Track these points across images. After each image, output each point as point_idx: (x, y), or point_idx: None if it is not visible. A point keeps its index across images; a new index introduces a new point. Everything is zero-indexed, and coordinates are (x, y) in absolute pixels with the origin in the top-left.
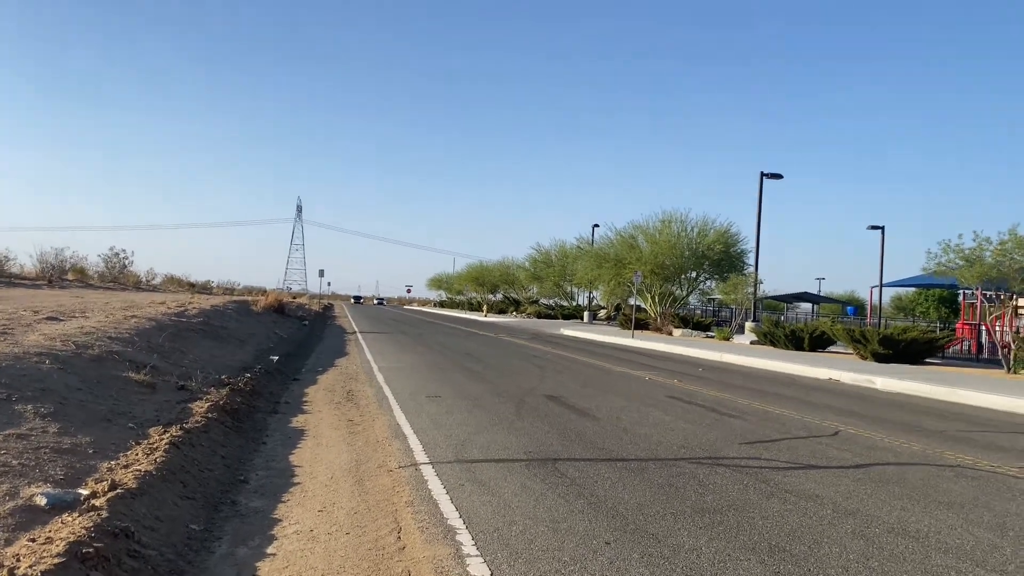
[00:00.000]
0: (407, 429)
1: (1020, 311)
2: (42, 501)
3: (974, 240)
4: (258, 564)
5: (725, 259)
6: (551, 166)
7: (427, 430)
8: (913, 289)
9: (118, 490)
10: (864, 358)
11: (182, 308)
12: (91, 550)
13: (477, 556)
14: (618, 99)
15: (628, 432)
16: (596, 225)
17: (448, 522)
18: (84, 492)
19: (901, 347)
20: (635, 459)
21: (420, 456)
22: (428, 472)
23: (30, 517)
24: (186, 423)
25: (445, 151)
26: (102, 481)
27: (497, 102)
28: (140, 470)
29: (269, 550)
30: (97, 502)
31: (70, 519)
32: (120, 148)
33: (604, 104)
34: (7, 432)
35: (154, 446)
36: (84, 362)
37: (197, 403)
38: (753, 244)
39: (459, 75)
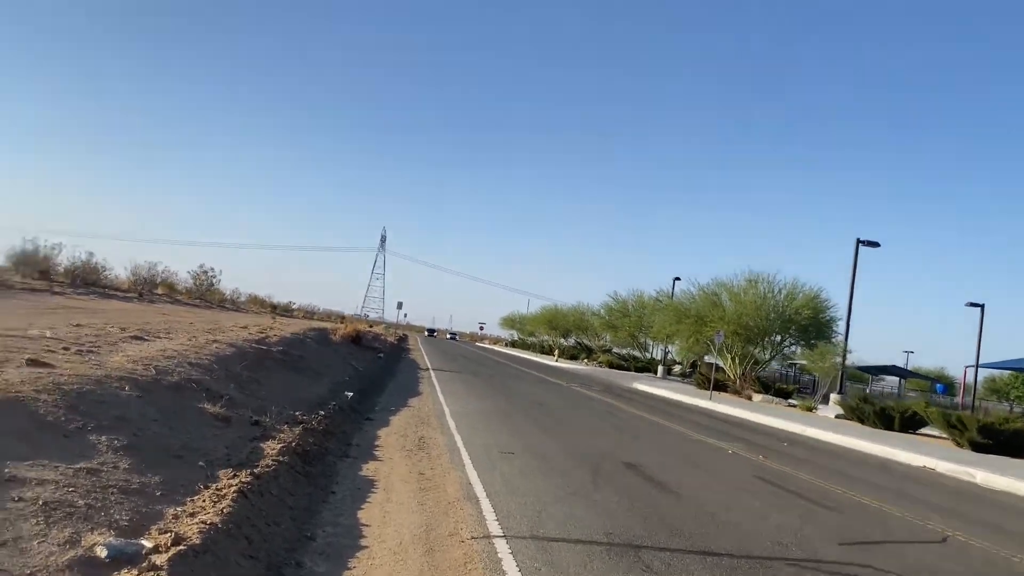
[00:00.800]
0: (479, 490)
1: None
2: (103, 553)
3: None
4: None
5: (813, 325)
6: (636, 215)
7: (500, 494)
8: (1008, 372)
9: (181, 546)
10: (960, 445)
11: (263, 334)
12: None
13: None
14: (716, 155)
15: (714, 518)
16: (678, 278)
17: None
18: (147, 545)
19: (1002, 438)
20: (725, 554)
21: (493, 527)
22: (502, 548)
23: (89, 572)
24: (256, 466)
25: (530, 191)
26: (166, 532)
27: (591, 148)
28: (206, 521)
29: None
30: (159, 560)
31: None
32: (216, 168)
33: (695, 163)
34: (79, 466)
35: (222, 493)
36: (162, 389)
37: (269, 442)
38: (843, 311)
39: (554, 120)
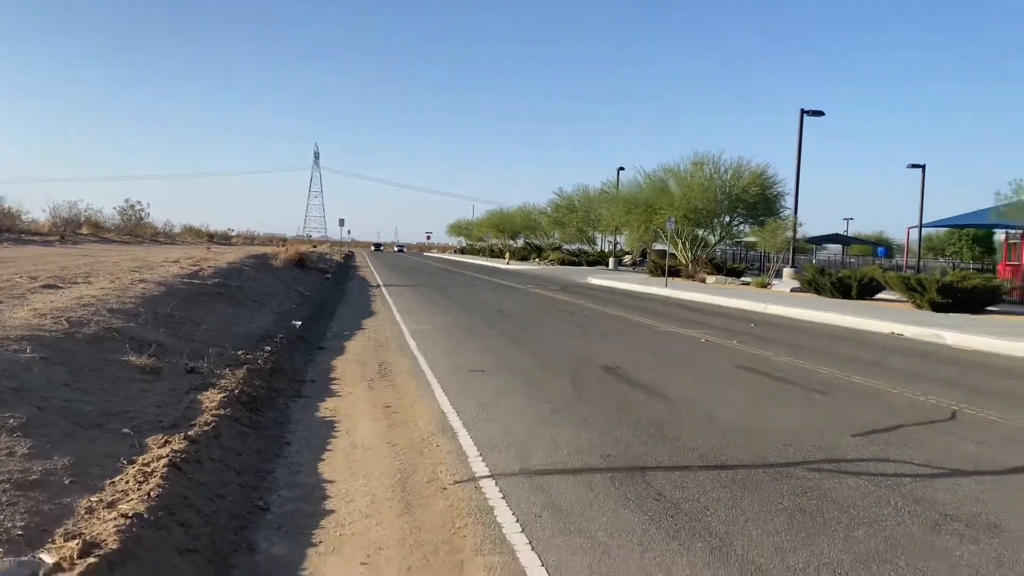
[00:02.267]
0: (454, 420)
1: None
2: None
3: None
4: None
5: (761, 202)
6: (575, 109)
7: (478, 422)
8: (944, 230)
9: (92, 556)
10: (920, 307)
11: (196, 267)
12: None
13: None
14: (648, 39)
15: (713, 421)
16: (622, 168)
17: None
18: (48, 561)
19: (960, 296)
20: (739, 465)
21: (477, 465)
22: (491, 491)
23: None
24: (193, 425)
25: (465, 93)
26: (74, 538)
27: (519, 40)
28: (127, 512)
29: None
30: None
31: None
32: (135, 97)
33: (633, 48)
34: None
35: (150, 468)
36: (76, 345)
37: (208, 393)
38: (790, 186)
39: (482, 17)
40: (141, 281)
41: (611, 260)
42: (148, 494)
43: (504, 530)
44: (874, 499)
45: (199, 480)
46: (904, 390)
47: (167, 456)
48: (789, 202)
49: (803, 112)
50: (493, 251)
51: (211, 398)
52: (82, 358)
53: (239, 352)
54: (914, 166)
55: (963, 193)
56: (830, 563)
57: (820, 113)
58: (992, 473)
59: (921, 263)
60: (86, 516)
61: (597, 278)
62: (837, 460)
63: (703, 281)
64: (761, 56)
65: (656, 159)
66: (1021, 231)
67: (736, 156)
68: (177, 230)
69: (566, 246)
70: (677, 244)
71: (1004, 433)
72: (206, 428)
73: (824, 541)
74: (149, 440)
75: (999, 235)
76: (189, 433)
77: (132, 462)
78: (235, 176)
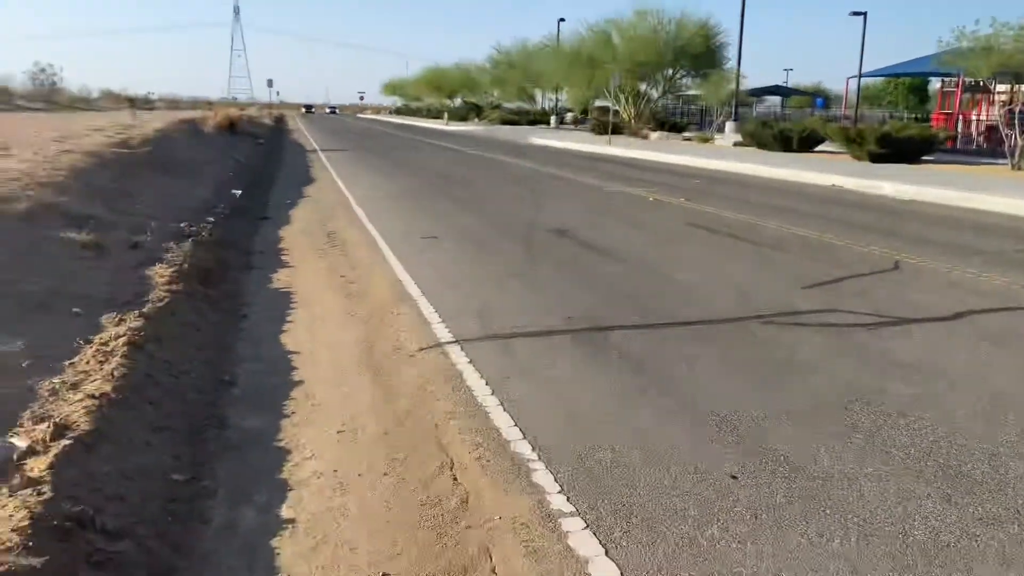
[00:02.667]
0: (412, 288)
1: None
2: None
3: (991, 27)
4: (275, 542)
5: (705, 54)
6: None
7: (436, 289)
8: (881, 80)
9: (66, 439)
10: (859, 158)
11: (124, 135)
12: (33, 565)
13: (574, 514)
14: None
15: (668, 280)
16: (562, 19)
17: (512, 449)
18: (19, 445)
19: (898, 146)
20: (700, 322)
21: (440, 330)
22: (458, 356)
23: None
24: (146, 302)
25: None
26: (43, 421)
27: None
28: (94, 392)
29: (285, 512)
30: (38, 464)
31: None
32: None
33: None
34: None
35: (109, 348)
36: (11, 223)
37: (157, 268)
38: (733, 37)
39: None
40: (67, 152)
41: (553, 119)
42: (111, 374)
43: (475, 393)
44: (827, 349)
45: (161, 358)
46: (848, 241)
47: (125, 334)
48: (732, 53)
49: None
50: (431, 111)
51: (160, 273)
52: (18, 236)
53: (182, 224)
54: (856, 13)
55: (901, 43)
56: (790, 411)
57: None
58: (936, 320)
59: (859, 113)
60: (51, 399)
61: (539, 138)
62: (790, 313)
63: (646, 138)
64: None
65: (598, 10)
66: (956, 80)
67: (680, 6)
68: (95, 95)
69: (507, 105)
70: (620, 100)
71: (945, 280)
72: (160, 304)
73: (782, 391)
74: (103, 319)
75: (935, 84)
76: (144, 310)
77: (89, 342)
78: (149, 34)
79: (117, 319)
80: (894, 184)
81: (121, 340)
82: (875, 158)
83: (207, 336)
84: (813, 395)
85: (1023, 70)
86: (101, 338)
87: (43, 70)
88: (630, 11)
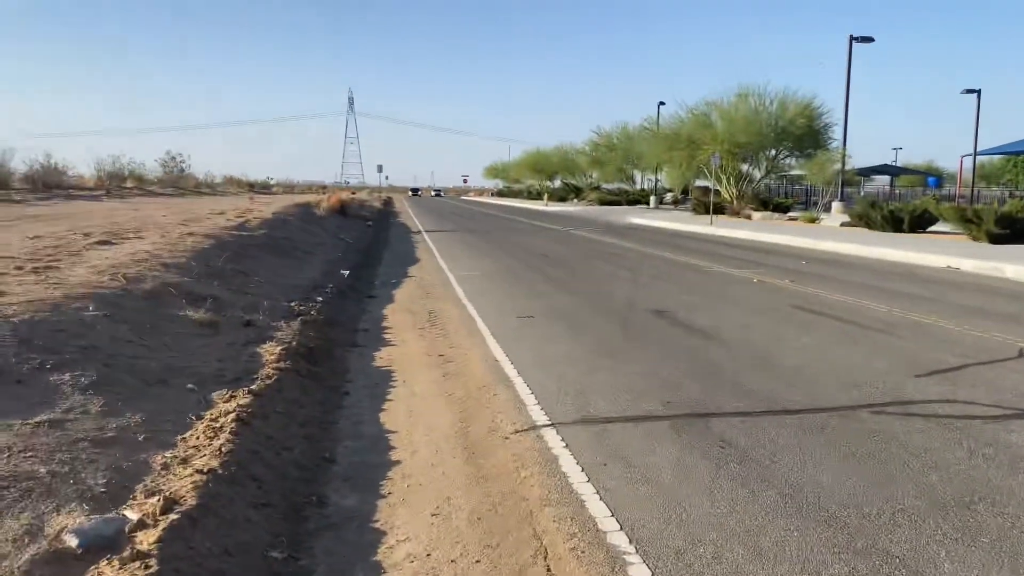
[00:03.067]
0: (509, 369)
1: None
2: (73, 542)
3: None
4: None
5: (808, 134)
6: (614, 44)
7: (532, 369)
8: (998, 158)
9: (173, 513)
10: (977, 239)
11: (242, 219)
12: None
13: None
14: None
15: (771, 363)
16: (662, 103)
17: (608, 540)
18: (131, 517)
19: (1019, 227)
20: (804, 410)
21: (536, 413)
22: (553, 440)
23: (57, 572)
24: (255, 379)
25: (501, 31)
26: (154, 495)
27: None
28: (202, 468)
29: None
30: (147, 538)
31: (112, 574)
32: (168, 51)
33: None
34: (38, 419)
35: (219, 424)
36: (135, 301)
37: (267, 345)
38: (837, 116)
39: None
40: (191, 235)
41: (652, 199)
42: (219, 449)
43: (570, 480)
44: (944, 441)
45: (266, 434)
46: (966, 327)
47: (234, 411)
48: (837, 133)
49: (852, 39)
50: (531, 193)
51: (270, 351)
52: (142, 314)
53: (292, 303)
54: (969, 91)
55: (1017, 119)
56: (905, 510)
57: (869, 39)
58: None
59: (975, 192)
60: (162, 472)
61: (639, 217)
62: (903, 402)
63: (749, 218)
64: None
65: (699, 92)
66: None
67: (782, 86)
68: (218, 180)
69: (605, 185)
70: (721, 180)
71: None
72: (268, 381)
73: (896, 487)
74: (214, 395)
75: None
76: (252, 387)
77: (200, 418)
78: (270, 123)
79: (228, 395)
80: (1016, 266)
81: (230, 416)
82: (995, 239)
83: (311, 413)
84: (931, 492)
85: None
86: (212, 414)
87: (173, 158)
88: (731, 93)
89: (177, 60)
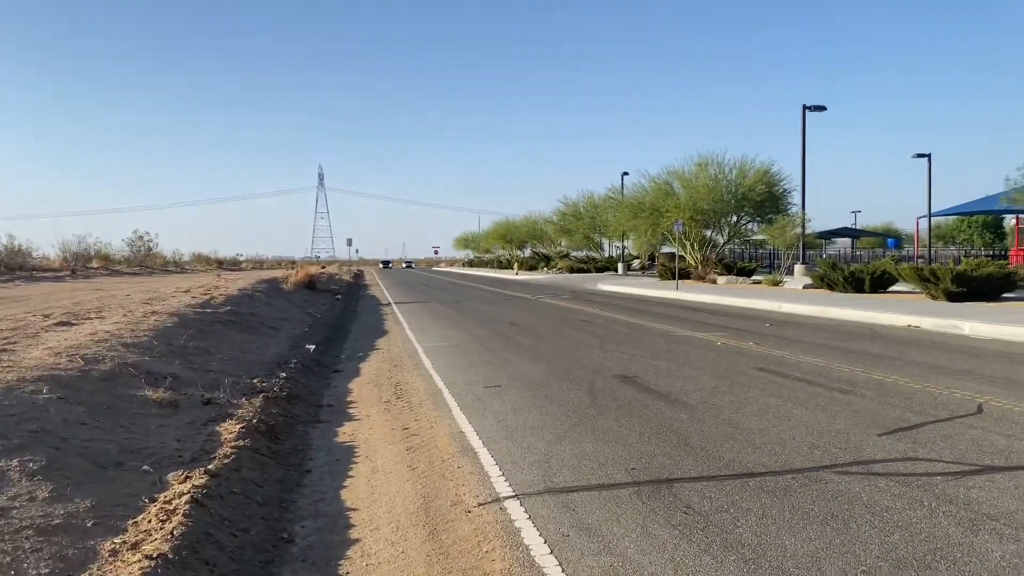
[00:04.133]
0: (474, 439)
1: None
2: None
3: None
4: None
5: (768, 200)
6: (578, 118)
7: (498, 440)
8: (953, 217)
9: None
10: (935, 298)
11: (208, 296)
12: None
13: None
14: (646, 43)
15: (736, 427)
16: (626, 173)
17: None
18: None
19: (974, 284)
20: (767, 472)
21: (500, 484)
22: (517, 512)
23: None
24: (212, 459)
25: (466, 108)
26: None
27: (517, 57)
28: (151, 554)
29: None
30: None
31: None
32: (134, 131)
33: (631, 51)
34: None
35: (172, 506)
36: (92, 382)
37: (226, 424)
38: (796, 182)
39: (478, 31)
40: (153, 313)
41: (620, 265)
42: (171, 533)
43: (532, 552)
44: (906, 501)
45: (222, 515)
46: (927, 384)
47: (188, 492)
48: (796, 198)
49: (805, 108)
50: (501, 262)
51: (229, 429)
52: (99, 395)
53: (255, 380)
54: (920, 155)
55: (971, 179)
56: (868, 571)
57: (822, 108)
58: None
59: (932, 252)
60: (110, 559)
61: (607, 284)
62: (865, 461)
63: (714, 282)
64: (760, 50)
65: (662, 160)
66: None
67: (740, 154)
68: (186, 258)
69: (574, 253)
70: (685, 246)
71: None
72: (226, 461)
73: (859, 548)
74: (170, 476)
75: (1009, 220)
76: (209, 467)
77: (154, 500)
78: (240, 201)
79: (183, 476)
80: (973, 323)
81: (184, 498)
82: (953, 297)
83: (270, 492)
84: (893, 551)
85: None
86: (166, 496)
87: (140, 237)
88: (692, 162)
89: (146, 139)
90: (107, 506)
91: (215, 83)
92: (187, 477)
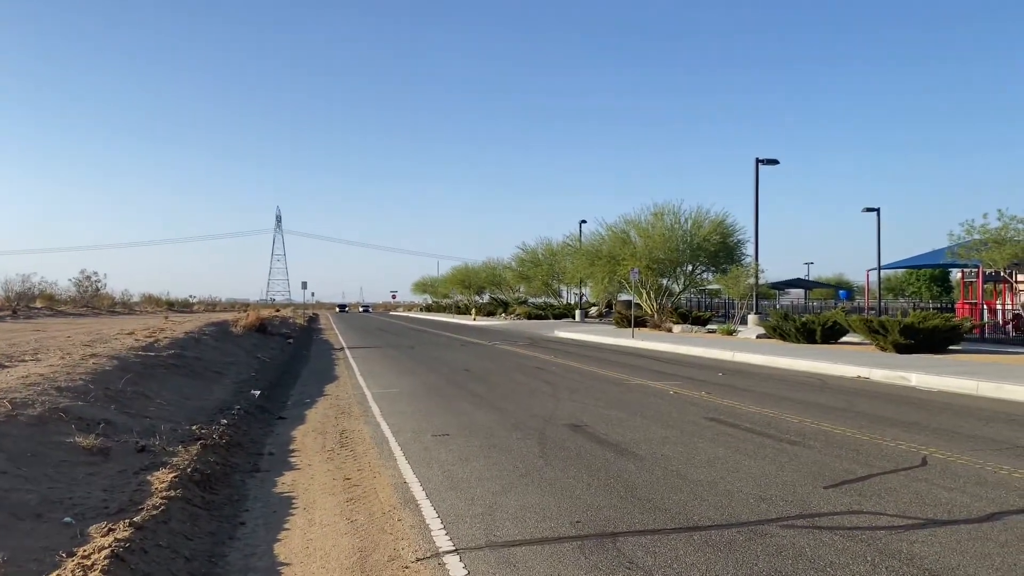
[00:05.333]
0: (417, 490)
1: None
2: None
3: (999, 219)
4: None
5: (722, 250)
6: (536, 168)
7: (442, 491)
8: (903, 270)
9: None
10: (884, 349)
11: (152, 338)
12: None
13: None
14: (599, 97)
15: (685, 479)
16: (583, 221)
17: None
18: None
19: (922, 336)
20: (713, 526)
21: (441, 539)
22: (455, 568)
23: None
24: (140, 510)
25: (426, 155)
26: None
27: (480, 106)
28: None
29: None
30: None
31: None
32: (92, 168)
33: (585, 103)
34: None
35: (90, 561)
36: (18, 428)
37: (159, 473)
38: (749, 233)
39: (437, 78)
40: (93, 356)
41: (577, 312)
42: None
43: None
44: (850, 555)
45: (143, 571)
46: (874, 436)
47: (109, 546)
48: (750, 249)
49: (758, 161)
50: (459, 308)
51: (161, 478)
52: (24, 442)
53: (194, 427)
54: (869, 209)
55: (921, 232)
56: None
57: (775, 161)
58: (967, 522)
59: (882, 304)
60: None
61: (564, 331)
62: (811, 515)
63: (669, 330)
64: (717, 103)
65: (620, 209)
66: (976, 270)
67: (695, 205)
68: (136, 299)
69: (532, 299)
70: (642, 294)
71: (976, 477)
72: (154, 512)
73: None
74: (92, 529)
75: (955, 274)
76: (135, 519)
77: (72, 555)
78: (193, 242)
79: (106, 529)
80: (920, 374)
81: (104, 552)
82: (901, 349)
83: (200, 545)
84: None
85: None
86: (84, 550)
87: (88, 277)
88: (648, 211)
89: (94, 175)
90: (20, 561)
91: (176, 123)
92: (110, 530)
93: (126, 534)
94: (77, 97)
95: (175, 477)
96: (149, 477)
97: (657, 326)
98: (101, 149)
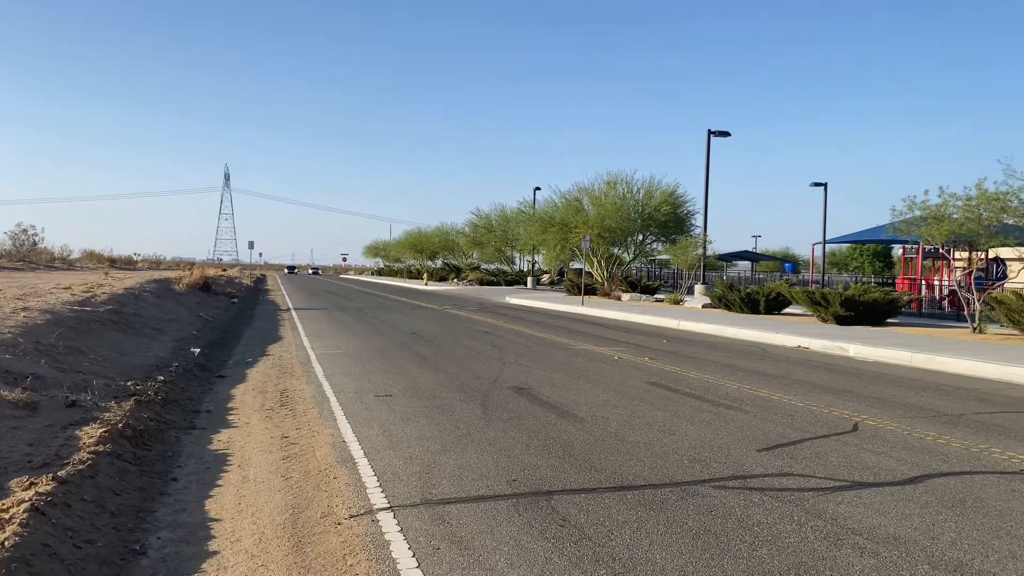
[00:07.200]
0: (356, 449)
1: (958, 264)
2: None
3: (940, 196)
4: None
5: (672, 221)
6: (491, 132)
7: (381, 450)
8: (847, 245)
9: None
10: (825, 321)
11: (89, 293)
12: None
13: None
14: (554, 62)
15: (623, 440)
16: (538, 188)
17: None
18: None
19: (862, 309)
20: (647, 485)
21: (376, 496)
22: (389, 524)
23: None
24: (65, 464)
25: (381, 115)
26: None
27: (436, 66)
28: None
29: None
30: None
31: None
32: (37, 119)
33: (541, 68)
34: None
35: (8, 515)
36: None
37: (89, 427)
38: (700, 205)
39: (397, 36)
40: (24, 309)
41: (530, 279)
42: (1, 544)
43: (399, 566)
44: (778, 515)
45: (66, 525)
46: (809, 403)
47: (29, 500)
48: (699, 220)
49: (710, 132)
50: (411, 272)
51: (90, 433)
52: None
53: (129, 383)
54: (816, 184)
55: (866, 208)
56: None
57: (726, 134)
58: (891, 484)
59: (826, 278)
60: None
61: (515, 297)
62: (743, 476)
63: (619, 299)
64: (669, 75)
65: (574, 178)
66: (916, 246)
67: (648, 175)
68: (76, 255)
69: (485, 266)
70: (593, 263)
71: (903, 443)
72: (81, 467)
73: (728, 562)
74: (13, 482)
75: (897, 250)
76: (59, 473)
77: None
78: (143, 199)
79: (28, 483)
80: (857, 346)
81: (23, 506)
82: (841, 320)
83: (128, 501)
84: (760, 565)
85: (974, 238)
86: (3, 504)
87: (24, 231)
88: (601, 180)
89: (42, 130)
90: None
91: (126, 81)
92: (32, 484)
93: (48, 488)
94: (21, 50)
95: (105, 432)
96: (78, 432)
97: (607, 294)
98: (45, 104)
